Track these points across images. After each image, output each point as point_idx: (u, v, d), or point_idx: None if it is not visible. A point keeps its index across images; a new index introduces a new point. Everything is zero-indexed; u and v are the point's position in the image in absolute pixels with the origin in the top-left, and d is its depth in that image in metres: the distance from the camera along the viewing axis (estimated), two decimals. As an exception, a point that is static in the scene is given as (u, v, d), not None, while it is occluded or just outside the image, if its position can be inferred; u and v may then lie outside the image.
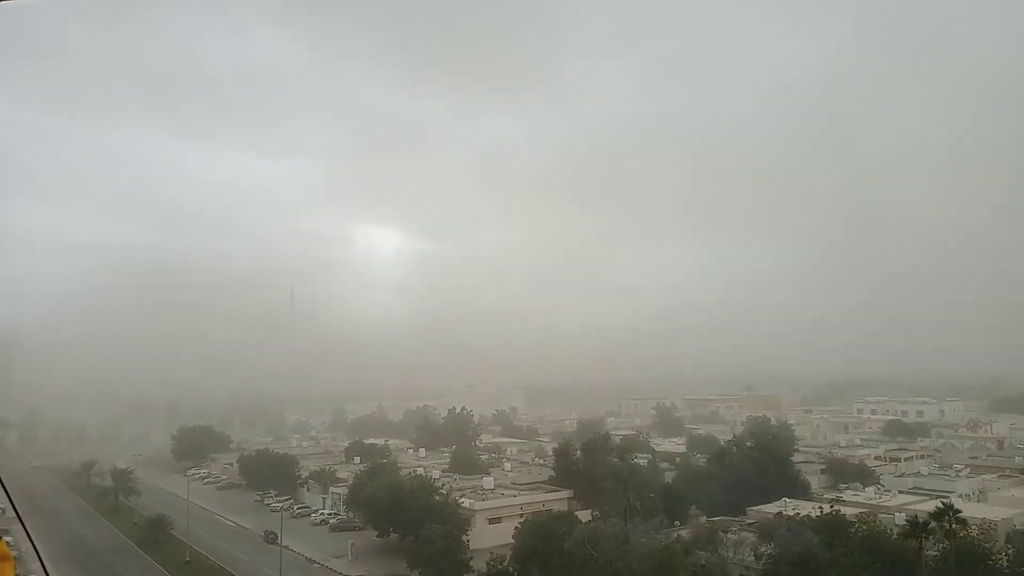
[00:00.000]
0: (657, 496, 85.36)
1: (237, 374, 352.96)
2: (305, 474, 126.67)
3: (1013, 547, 63.94)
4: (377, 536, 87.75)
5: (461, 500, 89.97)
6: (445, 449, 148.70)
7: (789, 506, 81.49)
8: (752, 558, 59.23)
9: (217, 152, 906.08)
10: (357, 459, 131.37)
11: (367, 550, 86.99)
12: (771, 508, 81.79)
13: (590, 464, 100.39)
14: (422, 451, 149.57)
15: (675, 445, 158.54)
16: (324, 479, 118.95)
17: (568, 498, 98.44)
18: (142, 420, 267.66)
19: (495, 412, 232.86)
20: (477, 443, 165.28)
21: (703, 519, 79.10)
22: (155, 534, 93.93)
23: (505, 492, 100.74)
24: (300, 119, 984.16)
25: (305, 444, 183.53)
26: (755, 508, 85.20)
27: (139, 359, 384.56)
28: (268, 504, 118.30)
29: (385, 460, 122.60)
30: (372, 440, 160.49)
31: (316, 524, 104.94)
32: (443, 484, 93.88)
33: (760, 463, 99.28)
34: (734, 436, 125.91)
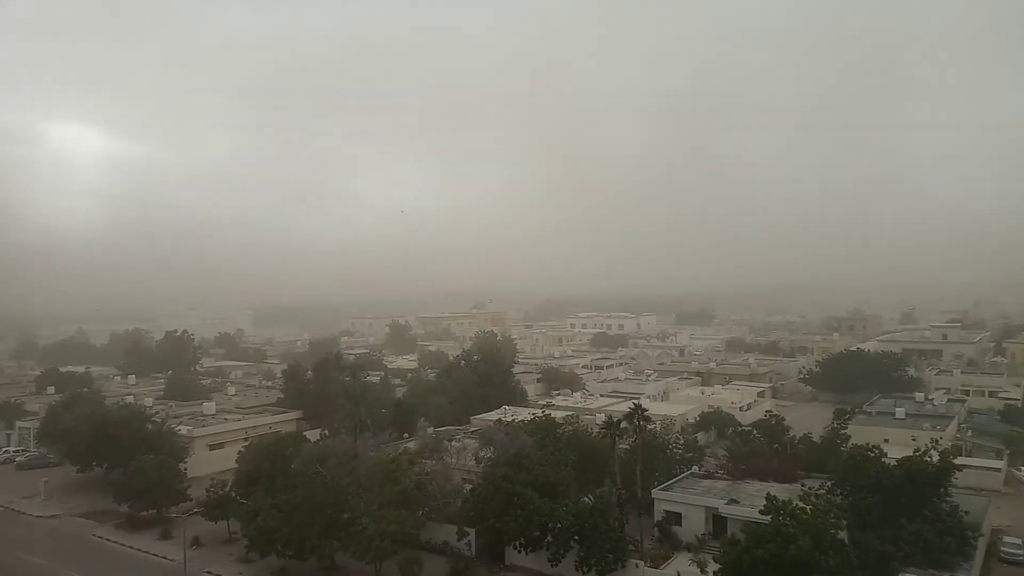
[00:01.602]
0: (388, 411, 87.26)
1: None
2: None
3: (685, 437, 75.56)
4: (77, 471, 79.21)
5: (178, 428, 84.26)
6: (160, 375, 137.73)
7: (508, 413, 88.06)
8: (474, 462, 63.21)
9: None
10: (51, 389, 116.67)
11: (65, 487, 78.42)
12: (492, 416, 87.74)
13: (321, 384, 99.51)
14: (132, 378, 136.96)
15: (408, 362, 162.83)
16: (9, 413, 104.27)
17: (297, 419, 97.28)
18: None
19: (219, 334, 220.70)
20: (198, 367, 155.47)
21: (431, 430, 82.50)
22: None
23: (229, 417, 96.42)
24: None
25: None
26: (478, 416, 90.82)
27: None
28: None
29: (86, 389, 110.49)
30: (70, 368, 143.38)
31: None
32: (157, 412, 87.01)
33: (485, 375, 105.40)
34: (463, 351, 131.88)
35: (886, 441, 66.09)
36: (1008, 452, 76.72)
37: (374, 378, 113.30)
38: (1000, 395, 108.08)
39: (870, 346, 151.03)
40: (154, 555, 58.61)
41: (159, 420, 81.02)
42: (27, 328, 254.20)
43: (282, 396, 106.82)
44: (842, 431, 71.06)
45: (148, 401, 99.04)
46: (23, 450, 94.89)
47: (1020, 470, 73.10)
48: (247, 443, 74.30)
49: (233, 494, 60.85)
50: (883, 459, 51.15)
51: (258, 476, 62.84)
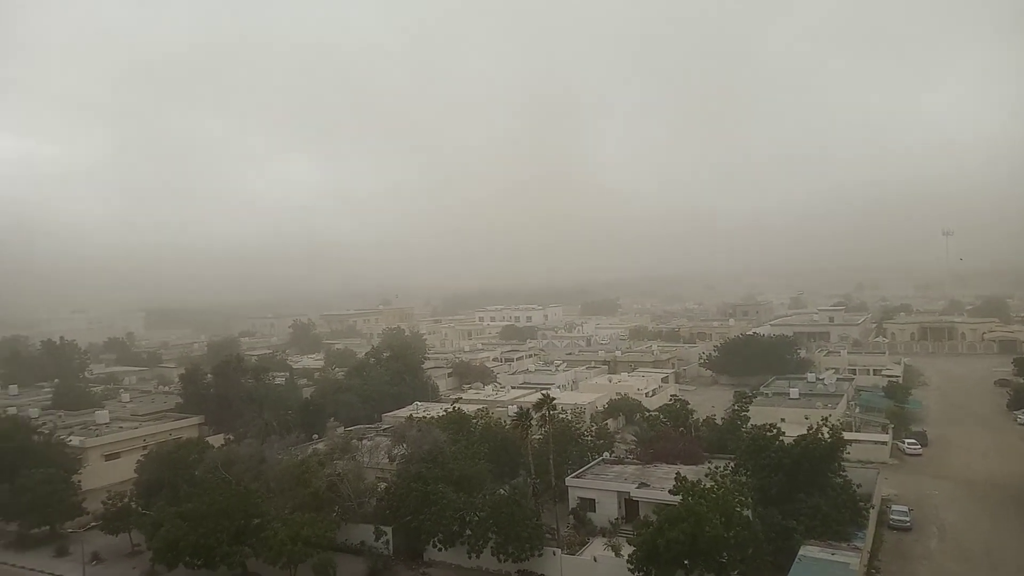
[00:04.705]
0: (294, 413, 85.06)
1: None
2: None
3: (595, 424, 77.22)
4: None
5: (68, 439, 79.36)
6: (45, 384, 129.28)
7: (420, 409, 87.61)
8: (387, 460, 62.47)
9: None
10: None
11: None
12: (404, 412, 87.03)
13: (223, 387, 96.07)
14: (13, 388, 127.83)
15: (314, 361, 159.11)
16: None
17: (199, 424, 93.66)
18: None
19: (108, 339, 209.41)
20: (86, 374, 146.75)
21: (341, 430, 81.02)
22: None
23: (124, 425, 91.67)
24: None
25: None
26: (390, 414, 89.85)
27: None
28: None
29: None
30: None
31: None
32: (44, 423, 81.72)
33: (395, 372, 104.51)
34: (372, 348, 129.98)
35: (782, 420, 69.23)
36: (892, 426, 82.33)
37: (279, 379, 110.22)
38: (884, 373, 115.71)
39: (764, 330, 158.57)
40: (50, 574, 55.11)
41: (46, 431, 76.00)
42: None
43: (181, 401, 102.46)
44: (743, 413, 74.13)
45: (34, 412, 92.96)
46: None
47: (903, 442, 78.57)
48: (146, 451, 70.85)
49: (133, 505, 58.15)
50: (781, 438, 53.78)
51: (160, 485, 60.31)
